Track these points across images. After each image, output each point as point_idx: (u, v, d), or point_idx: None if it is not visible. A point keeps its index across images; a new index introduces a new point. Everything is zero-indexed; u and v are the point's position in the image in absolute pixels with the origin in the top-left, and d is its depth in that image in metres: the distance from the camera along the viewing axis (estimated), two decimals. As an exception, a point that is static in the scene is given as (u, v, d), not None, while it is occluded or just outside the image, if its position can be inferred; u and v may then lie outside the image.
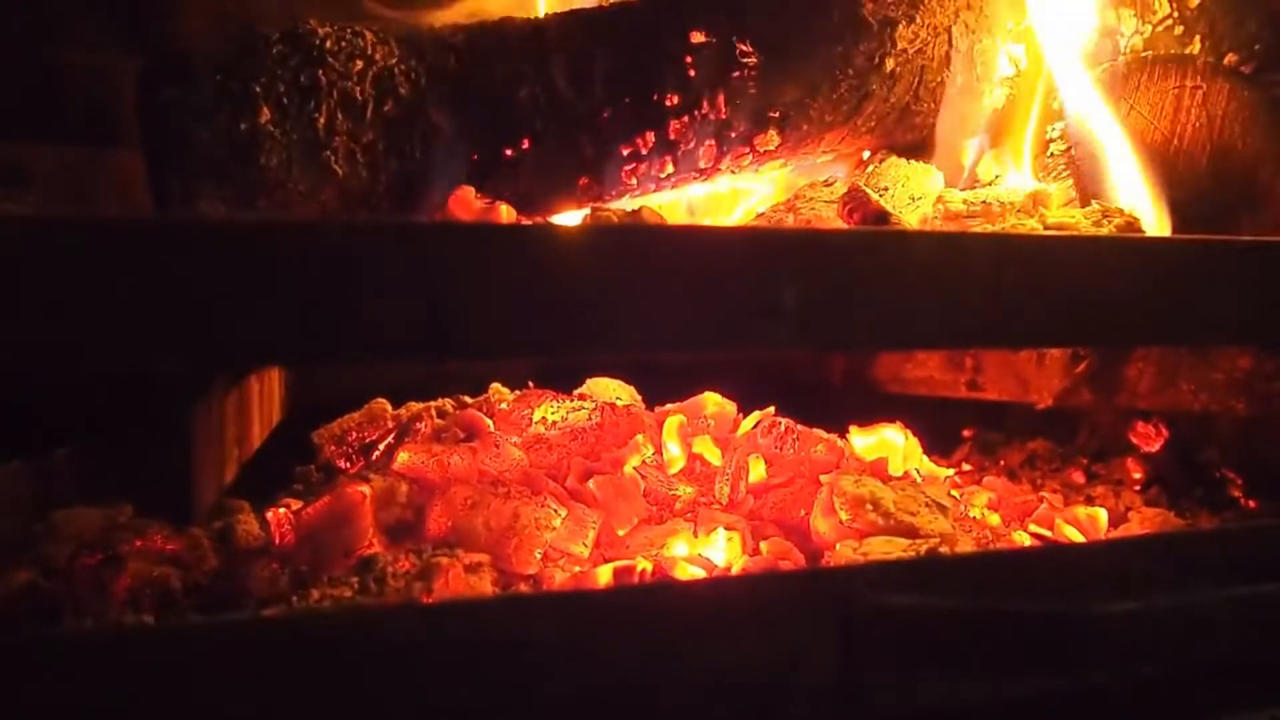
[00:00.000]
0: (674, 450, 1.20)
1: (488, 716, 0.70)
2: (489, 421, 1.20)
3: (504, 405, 1.25)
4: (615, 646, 0.71)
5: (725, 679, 0.74)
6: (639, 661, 0.72)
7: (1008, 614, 0.80)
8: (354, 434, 1.22)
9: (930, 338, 0.90)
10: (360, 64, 1.09)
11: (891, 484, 1.08)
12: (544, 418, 1.20)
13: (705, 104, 1.18)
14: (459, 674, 0.69)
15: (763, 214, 1.26)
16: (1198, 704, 0.86)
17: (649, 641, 0.72)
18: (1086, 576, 0.85)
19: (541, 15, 1.26)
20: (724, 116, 1.19)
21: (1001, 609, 0.80)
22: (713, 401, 1.29)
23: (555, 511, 1.01)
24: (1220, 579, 0.87)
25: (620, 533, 1.06)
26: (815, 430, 1.20)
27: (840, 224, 1.10)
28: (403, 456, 1.10)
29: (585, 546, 1.01)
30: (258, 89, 1.04)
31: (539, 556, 0.99)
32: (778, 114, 1.22)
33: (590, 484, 1.09)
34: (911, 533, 1.00)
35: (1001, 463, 1.47)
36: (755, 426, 1.22)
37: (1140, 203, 1.19)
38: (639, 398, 1.34)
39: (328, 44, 1.08)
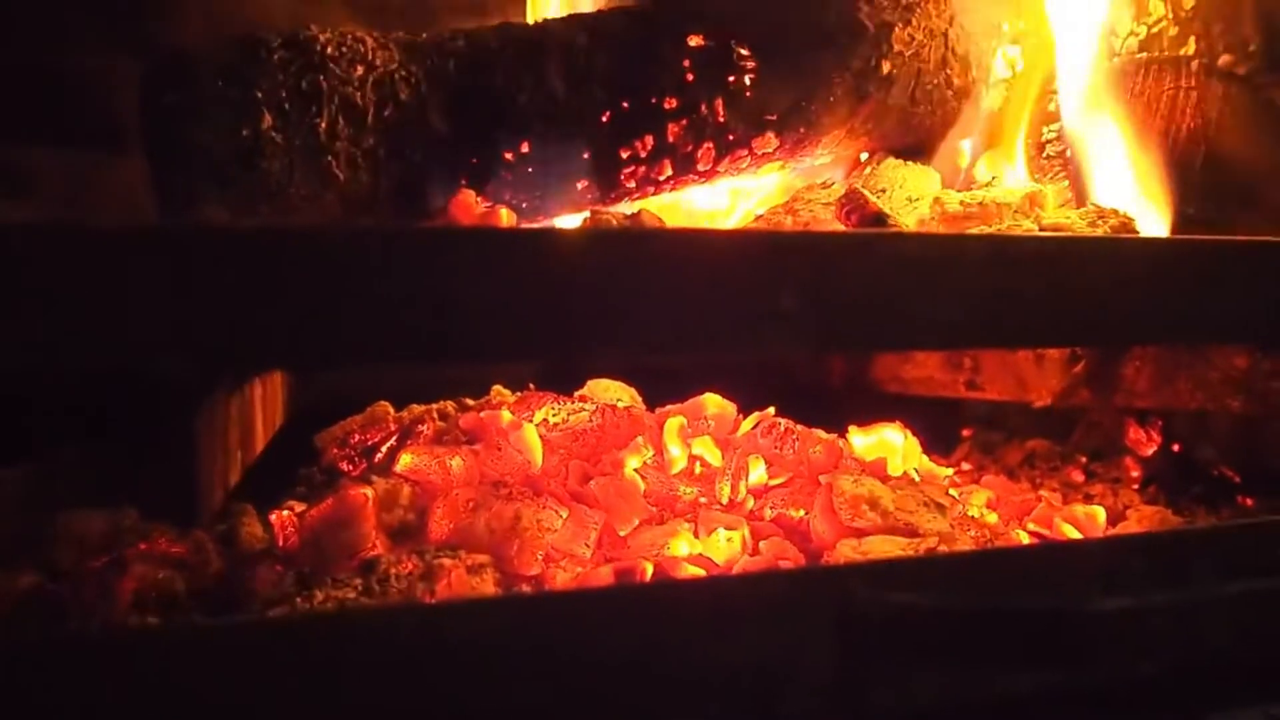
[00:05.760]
0: (674, 451, 1.20)
1: (490, 716, 0.70)
2: (500, 417, 1.20)
3: (505, 408, 1.26)
4: (616, 646, 0.72)
5: (726, 677, 0.74)
6: (640, 660, 0.72)
7: (1006, 612, 0.80)
8: (356, 436, 1.22)
9: (928, 338, 0.91)
10: (361, 69, 1.09)
11: (890, 484, 1.09)
12: (545, 419, 1.21)
13: (703, 107, 1.18)
14: (462, 675, 0.69)
15: (761, 216, 1.27)
16: (1195, 701, 0.87)
17: (650, 640, 0.73)
18: (1085, 574, 0.85)
19: (540, 20, 1.26)
20: (722, 120, 1.19)
21: (1000, 607, 0.80)
22: (713, 402, 1.29)
23: (557, 513, 1.02)
24: (1218, 577, 0.88)
25: (621, 533, 1.07)
26: (815, 431, 1.21)
27: (838, 226, 1.11)
28: (405, 459, 1.11)
29: (587, 548, 1.02)
30: (259, 94, 1.05)
31: (541, 558, 0.99)
32: (775, 117, 1.22)
33: (591, 485, 1.09)
34: (910, 532, 1.00)
35: (1000, 462, 1.47)
36: (755, 427, 1.22)
37: (1135, 203, 1.20)
38: (639, 399, 1.34)
39: (329, 49, 1.08)
